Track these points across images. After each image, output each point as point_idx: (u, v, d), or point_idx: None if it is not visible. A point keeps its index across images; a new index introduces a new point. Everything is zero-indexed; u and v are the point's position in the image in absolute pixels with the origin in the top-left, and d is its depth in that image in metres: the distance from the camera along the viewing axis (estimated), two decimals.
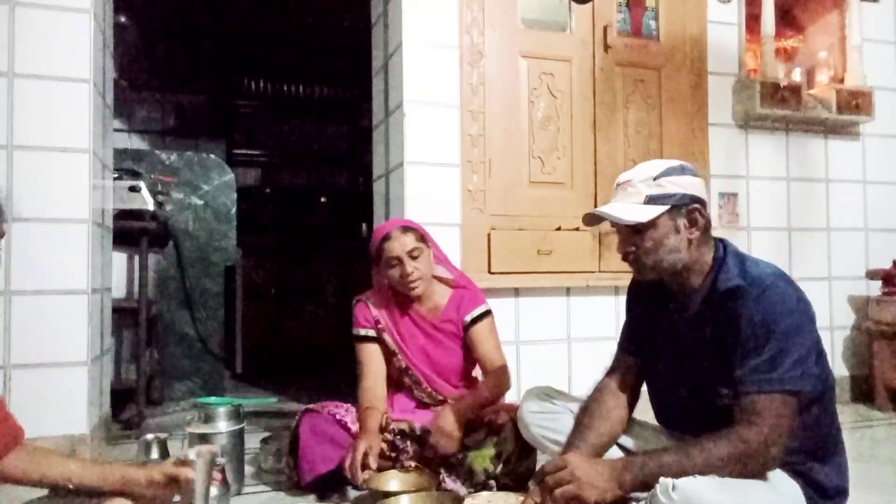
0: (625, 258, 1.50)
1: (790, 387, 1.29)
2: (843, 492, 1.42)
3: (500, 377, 2.12)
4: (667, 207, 1.40)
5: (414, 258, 2.09)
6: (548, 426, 1.72)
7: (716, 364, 1.39)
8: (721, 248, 1.47)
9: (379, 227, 2.22)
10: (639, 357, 1.63)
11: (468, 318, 2.17)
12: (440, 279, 2.22)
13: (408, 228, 2.13)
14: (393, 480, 1.83)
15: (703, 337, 1.44)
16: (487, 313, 2.20)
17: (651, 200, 1.41)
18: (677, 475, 1.24)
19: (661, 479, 1.25)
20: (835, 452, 1.44)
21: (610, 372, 1.69)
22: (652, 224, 1.41)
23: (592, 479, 1.29)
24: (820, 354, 1.39)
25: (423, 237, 2.14)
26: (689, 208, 1.42)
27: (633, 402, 1.64)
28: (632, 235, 1.44)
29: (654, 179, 1.42)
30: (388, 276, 2.12)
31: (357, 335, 2.20)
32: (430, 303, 2.20)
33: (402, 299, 2.17)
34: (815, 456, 1.40)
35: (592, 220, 1.52)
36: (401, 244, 2.08)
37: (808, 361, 1.32)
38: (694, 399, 1.46)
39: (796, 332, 1.32)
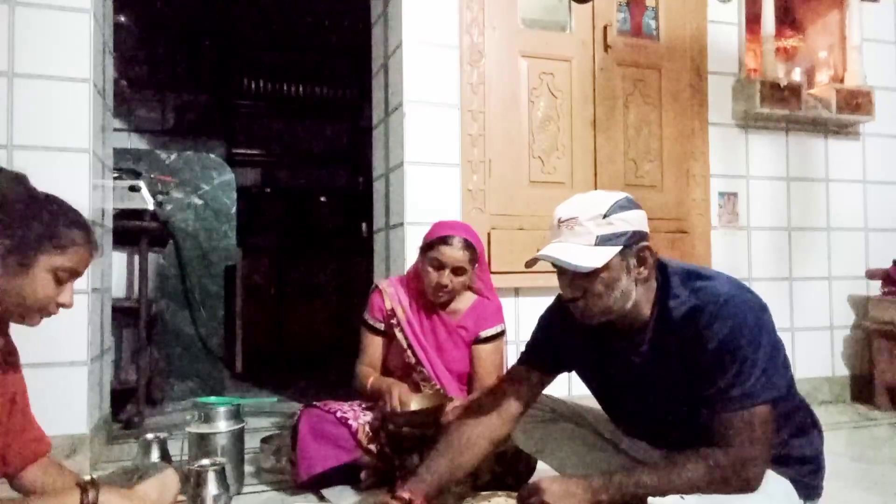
0: (568, 302, 1.39)
1: (762, 398, 1.26)
2: (821, 449, 1.44)
3: None
4: (619, 248, 1.31)
5: (455, 274, 2.11)
6: (536, 434, 1.70)
7: (689, 390, 1.34)
8: (660, 272, 1.40)
9: (446, 222, 2.21)
10: (545, 370, 1.59)
11: (483, 335, 2.19)
12: (468, 287, 2.22)
13: (469, 246, 2.11)
14: None
15: (667, 369, 1.38)
16: (501, 333, 2.22)
17: (602, 241, 1.31)
18: (655, 496, 1.22)
19: (650, 500, 1.23)
20: (807, 420, 1.44)
21: (499, 387, 1.63)
22: (604, 267, 1.31)
23: (563, 502, 1.25)
24: (780, 348, 1.36)
25: (474, 259, 2.14)
26: (638, 247, 1.34)
27: (515, 419, 1.58)
28: (579, 279, 1.33)
29: (604, 217, 1.32)
30: (424, 269, 2.13)
31: (366, 322, 2.24)
32: (452, 305, 2.22)
33: (426, 294, 2.18)
34: (796, 435, 1.40)
35: (536, 261, 1.38)
36: (453, 256, 2.09)
37: (775, 367, 1.29)
38: (675, 427, 1.43)
39: (760, 341, 1.28)
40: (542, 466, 1.97)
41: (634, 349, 1.42)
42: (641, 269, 1.35)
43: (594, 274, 1.31)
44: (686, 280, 1.37)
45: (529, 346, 1.64)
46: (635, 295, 1.36)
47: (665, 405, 1.42)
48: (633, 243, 1.33)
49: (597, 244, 1.31)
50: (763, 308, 1.34)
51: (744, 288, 1.36)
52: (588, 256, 1.30)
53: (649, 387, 1.43)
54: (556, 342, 1.57)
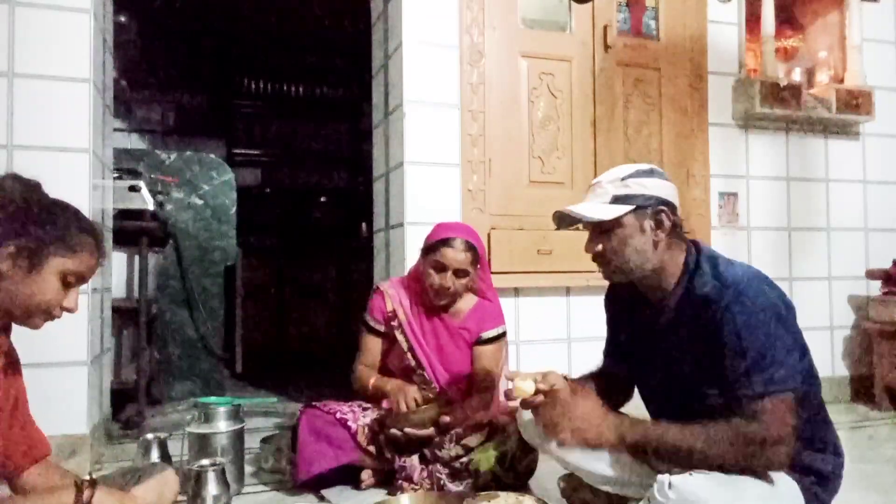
0: (593, 258, 1.51)
1: (781, 387, 1.28)
2: (838, 473, 1.44)
3: (485, 404, 2.14)
4: (632, 207, 1.42)
5: (457, 276, 2.11)
6: (538, 429, 1.71)
7: (700, 368, 1.39)
8: (693, 250, 1.47)
9: (447, 224, 2.21)
10: (625, 363, 1.64)
11: (484, 336, 2.19)
12: (469, 288, 2.22)
13: (471, 248, 2.12)
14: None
15: (682, 343, 1.44)
16: (502, 335, 2.22)
17: (616, 200, 1.43)
18: (675, 452, 1.28)
19: (659, 477, 1.25)
20: (827, 435, 1.45)
21: (595, 374, 1.70)
22: (618, 223, 1.43)
23: (593, 420, 1.36)
24: (804, 349, 1.39)
25: (476, 261, 2.14)
26: (655, 209, 1.43)
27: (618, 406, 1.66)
28: (599, 235, 1.47)
29: (622, 180, 1.44)
30: (426, 272, 2.13)
31: (366, 323, 2.24)
32: (454, 306, 2.22)
33: (428, 296, 2.19)
34: (811, 445, 1.41)
35: (562, 220, 1.53)
36: (455, 258, 2.09)
37: (792, 359, 1.31)
38: (684, 401, 1.45)
39: (777, 331, 1.31)
40: (542, 466, 1.98)
41: (658, 316, 1.49)
42: (658, 231, 1.44)
43: (610, 230, 1.44)
44: (714, 262, 1.43)
45: (606, 341, 1.73)
46: (655, 259, 1.44)
47: (683, 379, 1.45)
48: (649, 206, 1.43)
49: (611, 202, 1.44)
50: (779, 298, 1.36)
51: (767, 281, 1.39)
52: (600, 211, 1.44)
53: (669, 357, 1.48)
54: (613, 329, 1.70)
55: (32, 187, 1.27)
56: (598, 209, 1.44)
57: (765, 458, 1.26)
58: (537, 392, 1.47)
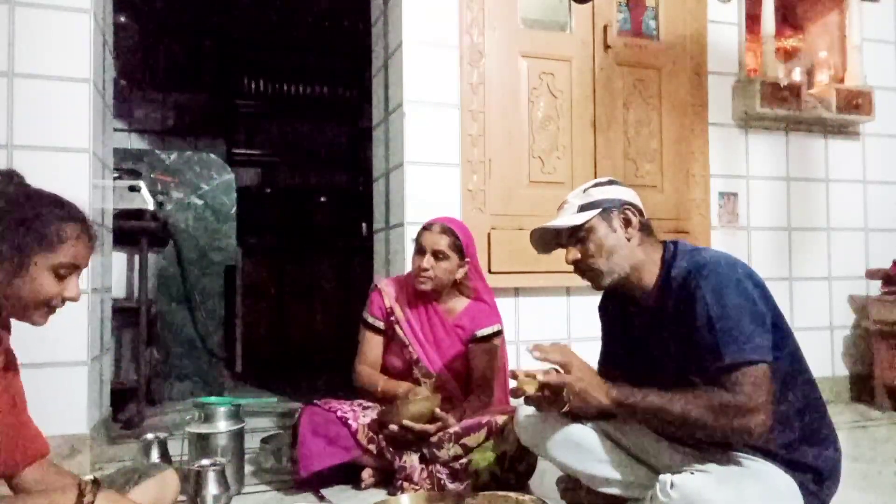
0: (576, 270, 1.59)
1: (751, 357, 1.32)
2: (836, 470, 1.45)
3: (483, 405, 2.15)
4: (598, 210, 1.52)
5: (436, 259, 2.14)
6: (539, 430, 1.71)
7: (683, 353, 1.43)
8: (671, 247, 1.54)
9: (437, 218, 2.29)
10: (621, 370, 1.65)
11: (479, 333, 2.21)
12: (464, 288, 2.25)
13: (448, 231, 2.17)
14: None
15: (668, 334, 1.49)
16: (498, 333, 2.23)
17: (583, 208, 1.54)
18: (654, 413, 1.37)
19: (661, 476, 1.27)
20: (825, 431, 1.46)
21: None
22: (588, 228, 1.52)
23: (585, 375, 1.42)
24: (779, 329, 1.41)
25: (457, 247, 2.17)
26: (620, 209, 1.53)
27: None
28: (575, 244, 1.55)
29: (584, 192, 1.57)
30: (412, 259, 2.20)
31: (365, 321, 2.27)
32: (447, 304, 2.25)
33: (425, 292, 2.21)
34: (807, 441, 1.42)
35: (541, 241, 1.63)
36: (432, 240, 2.15)
37: (760, 333, 1.35)
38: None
39: (745, 306, 1.36)
40: (542, 466, 1.98)
41: (645, 314, 1.56)
42: (628, 229, 1.53)
43: (584, 237, 1.53)
44: (690, 253, 1.51)
45: (600, 351, 1.77)
46: (632, 257, 1.52)
47: (674, 371, 1.46)
48: (613, 206, 1.53)
49: (578, 211, 1.55)
50: (749, 277, 1.41)
51: (738, 263, 1.44)
52: (570, 220, 1.55)
53: (655, 351, 1.53)
54: (607, 338, 1.74)
55: (4, 181, 1.20)
56: (569, 219, 1.54)
57: (740, 426, 1.30)
58: (542, 387, 1.49)
